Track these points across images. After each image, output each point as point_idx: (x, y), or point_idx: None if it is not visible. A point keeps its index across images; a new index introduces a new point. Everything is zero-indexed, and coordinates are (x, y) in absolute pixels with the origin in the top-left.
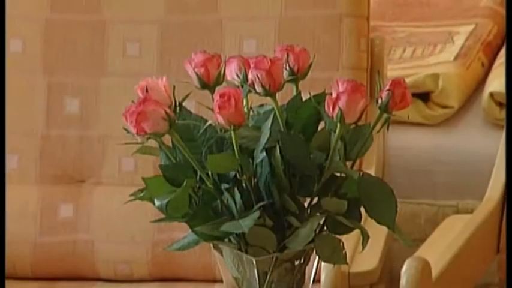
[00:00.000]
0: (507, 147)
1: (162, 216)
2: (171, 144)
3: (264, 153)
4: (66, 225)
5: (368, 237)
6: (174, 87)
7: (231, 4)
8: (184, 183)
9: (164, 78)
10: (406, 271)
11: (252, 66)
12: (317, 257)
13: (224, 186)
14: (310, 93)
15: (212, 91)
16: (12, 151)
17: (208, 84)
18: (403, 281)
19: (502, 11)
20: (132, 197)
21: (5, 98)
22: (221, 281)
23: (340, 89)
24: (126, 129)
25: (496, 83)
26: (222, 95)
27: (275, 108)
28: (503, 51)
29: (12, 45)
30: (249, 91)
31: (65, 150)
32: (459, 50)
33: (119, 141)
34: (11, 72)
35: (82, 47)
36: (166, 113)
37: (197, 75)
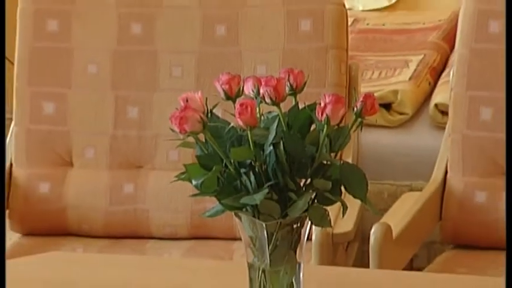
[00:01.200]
0: (507, 148)
1: (197, 192)
2: (204, 140)
3: (271, 147)
4: (129, 198)
5: (346, 207)
6: (206, 99)
7: (248, 39)
8: (214, 168)
9: (199, 93)
10: (374, 232)
11: (263, 83)
12: (309, 222)
13: (242, 170)
14: (305, 104)
15: (234, 102)
16: (90, 146)
17: (231, 96)
18: (371, 239)
19: (444, 44)
20: (176, 178)
21: (5, 97)
22: (240, 239)
23: (327, 101)
24: (172, 129)
25: (439, 96)
26: (241, 105)
27: (279, 114)
28: (444, 73)
29: (89, 69)
30: (261, 102)
31: (128, 145)
32: (412, 73)
33: (167, 138)
34: (89, 88)
35: (140, 70)
36: (200, 117)
37: (223, 90)
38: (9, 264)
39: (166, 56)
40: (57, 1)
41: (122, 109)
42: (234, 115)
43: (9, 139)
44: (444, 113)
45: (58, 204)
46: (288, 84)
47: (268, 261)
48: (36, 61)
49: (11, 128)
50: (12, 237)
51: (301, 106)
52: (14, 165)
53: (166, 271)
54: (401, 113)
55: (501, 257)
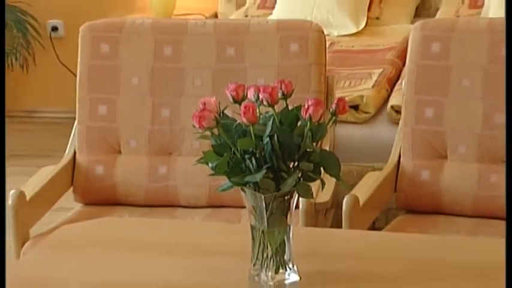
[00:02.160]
0: (507, 145)
1: (213, 172)
2: (217, 133)
3: (268, 138)
4: (162, 177)
5: (324, 183)
6: (219, 102)
7: (251, 58)
8: (225, 154)
9: (214, 98)
10: (345, 202)
11: (261, 90)
12: (297, 195)
13: (246, 156)
14: (293, 106)
15: (239, 104)
16: (133, 138)
17: (237, 100)
18: (344, 207)
19: (398, 61)
20: (197, 162)
21: (5, 98)
22: (245, 207)
23: (309, 103)
24: (193, 125)
25: (394, 100)
26: (245, 107)
27: (274, 114)
28: (398, 83)
29: (133, 80)
30: (260, 104)
31: (161, 137)
32: (374, 82)
33: (191, 131)
34: (132, 95)
35: (171, 81)
36: (215, 116)
37: (231, 95)
38: (74, 226)
39: (190, 71)
40: (108, 30)
41: (157, 110)
42: (240, 114)
43: (73, 134)
44: (398, 112)
45: (109, 182)
46: (280, 91)
47: (266, 224)
48: (93, 75)
49: (74, 126)
50: (75, 207)
51: (290, 107)
52: (77, 153)
53: (190, 231)
54: (365, 112)
55: (440, 220)
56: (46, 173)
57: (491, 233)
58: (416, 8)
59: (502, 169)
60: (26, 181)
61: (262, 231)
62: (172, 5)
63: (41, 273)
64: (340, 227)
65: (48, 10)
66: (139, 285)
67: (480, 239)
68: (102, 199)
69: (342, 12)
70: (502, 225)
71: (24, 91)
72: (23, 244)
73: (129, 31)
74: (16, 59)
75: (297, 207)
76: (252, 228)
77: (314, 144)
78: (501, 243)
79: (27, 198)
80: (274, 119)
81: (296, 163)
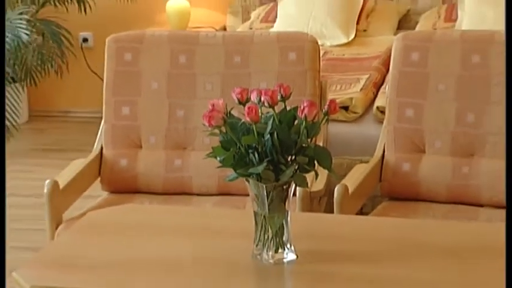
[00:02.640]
0: (507, 146)
1: (221, 165)
2: (225, 131)
3: (269, 135)
4: (178, 169)
5: (318, 175)
6: (226, 104)
7: (254, 65)
8: (231, 149)
9: (222, 100)
10: (337, 190)
11: (263, 93)
12: (294, 184)
13: (250, 150)
14: (291, 107)
15: (244, 105)
16: (152, 134)
17: (242, 102)
18: (335, 195)
19: (383, 68)
20: (207, 156)
21: (5, 100)
22: (249, 195)
23: (305, 105)
24: (204, 124)
25: (379, 101)
26: (249, 107)
27: (274, 114)
28: (383, 87)
29: (152, 85)
30: (262, 105)
31: (177, 134)
32: (362, 86)
33: (202, 129)
34: (151, 97)
35: (185, 85)
36: (222, 116)
37: (237, 98)
38: (100, 212)
39: (201, 77)
40: (131, 41)
41: (173, 111)
42: (244, 114)
43: (100, 131)
44: (382, 112)
45: (132, 173)
46: (280, 94)
47: (267, 210)
48: (117, 80)
49: (101, 124)
50: (102, 195)
51: (288, 108)
52: (104, 148)
53: (202, 216)
54: (354, 112)
55: (419, 206)
56: (77, 165)
57: (463, 217)
58: (399, 22)
59: (472, 161)
60: (60, 172)
61: (264, 216)
62: (187, 19)
63: (72, 252)
64: (332, 212)
65: (79, 24)
66: (158, 262)
67: (454, 223)
68: (125, 188)
69: (334, 25)
70: (472, 210)
71: (59, 94)
72: (57, 227)
73: (149, 42)
74: (52, 66)
75: (294, 195)
76: (255, 213)
77: (309, 140)
78: (472, 226)
79: (61, 187)
80: (274, 119)
81: (293, 157)
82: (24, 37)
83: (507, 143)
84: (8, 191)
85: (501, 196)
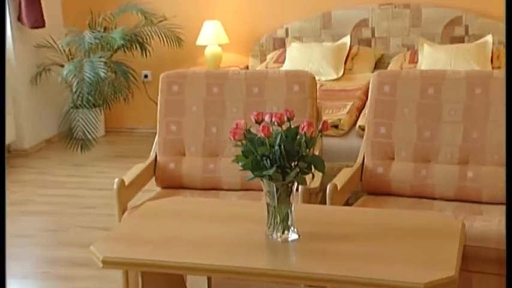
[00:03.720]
0: (507, 147)
1: (242, 168)
2: (245, 143)
3: (277, 147)
4: (211, 171)
5: (314, 176)
6: (246, 123)
7: (268, 94)
8: (249, 157)
9: (243, 120)
10: (329, 187)
11: (274, 116)
12: (297, 183)
13: (264, 158)
14: (294, 126)
15: (259, 124)
16: (193, 145)
17: (258, 122)
18: (327, 191)
19: (363, 97)
20: (233, 161)
21: (5, 101)
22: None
23: (305, 124)
24: (230, 138)
25: (361, 121)
26: (263, 126)
27: (281, 131)
28: (363, 111)
29: (193, 108)
30: (273, 124)
31: (210, 145)
32: (348, 110)
33: (229, 142)
34: (192, 118)
35: (217, 109)
36: (243, 132)
37: (254, 119)
38: (155, 202)
39: (229, 103)
40: (178, 77)
41: (208, 128)
42: (260, 131)
43: (154, 143)
44: (363, 129)
45: (178, 173)
46: (286, 116)
47: (276, 202)
48: (167, 105)
49: (156, 138)
50: (156, 189)
51: (292, 127)
52: (157, 155)
53: (229, 206)
54: (342, 130)
55: (389, 199)
56: (138, 167)
57: (423, 208)
58: (375, 63)
59: (429, 166)
60: (126, 172)
61: (274, 207)
62: (219, 61)
63: (134, 232)
64: (325, 203)
65: (142, 64)
66: (196, 239)
67: (415, 212)
68: (172, 185)
69: (327, 66)
70: (428, 202)
71: (126, 116)
72: (123, 213)
73: (191, 77)
74: (121, 95)
75: (296, 191)
76: (267, 204)
77: (308, 150)
78: (428, 214)
79: (126, 183)
80: (281, 134)
81: (296, 163)
82: (102, 74)
83: (507, 143)
84: (89, 186)
85: (450, 192)
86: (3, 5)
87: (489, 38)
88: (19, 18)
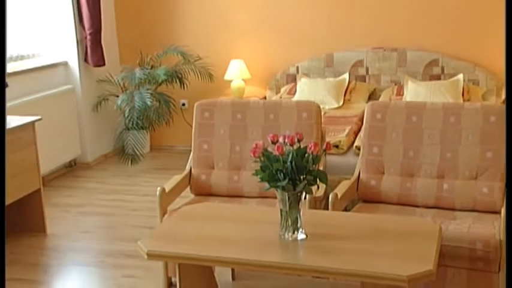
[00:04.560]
0: (507, 149)
1: (260, 180)
2: (263, 160)
3: (289, 163)
4: (235, 182)
5: (319, 187)
6: (264, 143)
7: (283, 120)
8: (266, 171)
9: (261, 141)
10: (331, 196)
11: (286, 137)
12: (305, 192)
13: (278, 172)
14: (303, 146)
15: (275, 144)
16: (220, 160)
17: (274, 142)
18: (330, 199)
19: (359, 123)
20: (253, 175)
21: (5, 102)
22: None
23: (312, 144)
24: (251, 155)
25: (357, 142)
26: (277, 146)
27: (292, 150)
28: (359, 134)
29: (221, 131)
30: (285, 145)
31: (235, 161)
32: (346, 133)
33: (250, 159)
34: (220, 139)
35: (240, 132)
36: (262, 151)
37: (271, 140)
38: (190, 206)
39: (250, 127)
40: (209, 105)
41: (233, 147)
42: (275, 150)
43: (190, 158)
44: (359, 149)
45: (208, 184)
46: (296, 138)
47: (287, 208)
48: (200, 128)
49: (191, 154)
50: (190, 196)
51: (302, 147)
52: (192, 168)
53: (249, 210)
54: (342, 149)
55: (380, 206)
56: (176, 178)
57: (407, 214)
58: (369, 95)
59: (412, 180)
60: (166, 182)
61: (286, 211)
62: (243, 92)
63: (173, 231)
64: (328, 209)
65: (180, 94)
66: (221, 238)
67: (400, 217)
68: (204, 192)
69: (330, 97)
70: (412, 209)
71: (167, 136)
72: (164, 215)
73: (220, 106)
74: (164, 119)
75: (304, 199)
76: (281, 210)
77: (314, 166)
78: (411, 219)
79: (166, 191)
80: (292, 153)
81: (304, 176)
82: (148, 103)
83: (507, 144)
84: (137, 192)
85: (430, 201)
86: (3, 5)
87: (461, 76)
88: (85, 59)
